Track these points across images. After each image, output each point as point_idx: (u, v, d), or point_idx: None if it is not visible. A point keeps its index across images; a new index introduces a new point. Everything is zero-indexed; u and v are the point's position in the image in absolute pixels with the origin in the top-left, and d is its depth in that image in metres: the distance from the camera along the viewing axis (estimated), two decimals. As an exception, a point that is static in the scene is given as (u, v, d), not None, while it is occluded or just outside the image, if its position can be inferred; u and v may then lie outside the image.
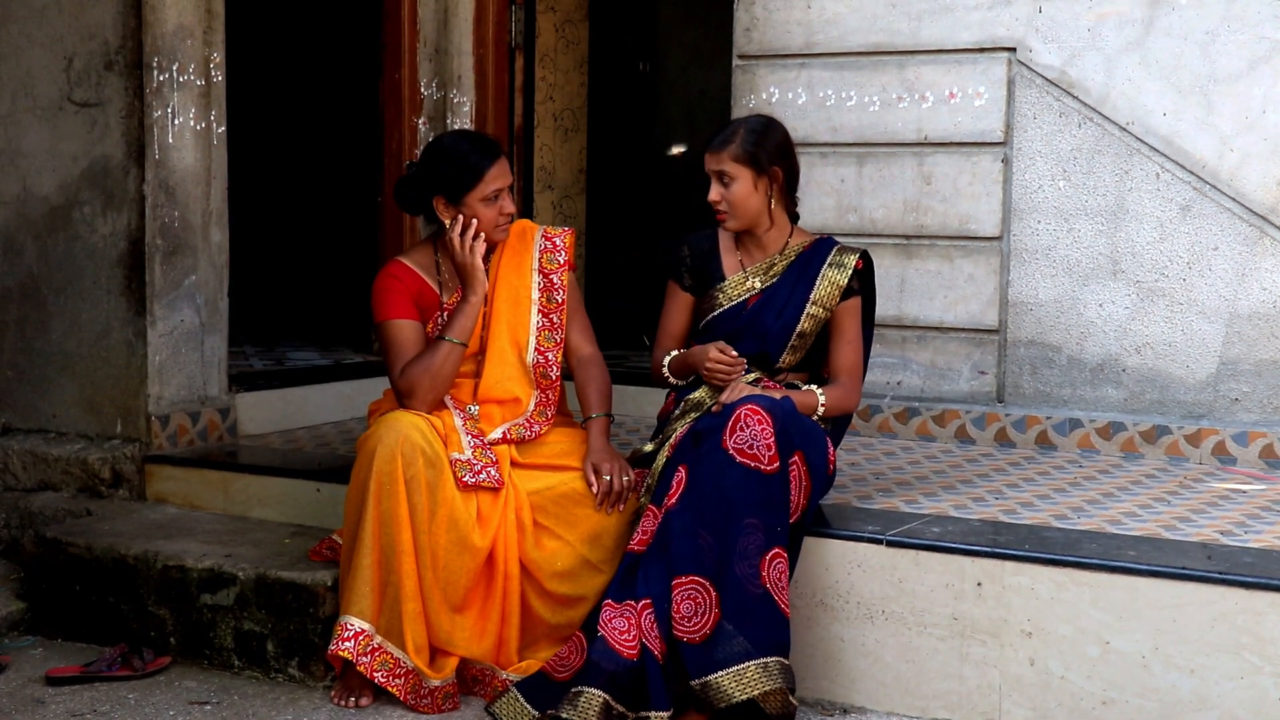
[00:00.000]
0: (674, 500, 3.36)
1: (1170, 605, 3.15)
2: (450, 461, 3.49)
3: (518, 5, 5.72)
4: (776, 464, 3.33)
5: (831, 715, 3.45)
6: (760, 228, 3.70)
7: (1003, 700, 3.32)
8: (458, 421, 3.61)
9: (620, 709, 3.24)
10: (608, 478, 3.56)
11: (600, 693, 3.23)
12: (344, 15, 7.20)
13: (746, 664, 3.23)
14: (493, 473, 3.53)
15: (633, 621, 3.29)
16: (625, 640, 3.27)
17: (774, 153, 3.63)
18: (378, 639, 3.43)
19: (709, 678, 3.23)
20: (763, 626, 3.25)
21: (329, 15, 7.52)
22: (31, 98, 4.55)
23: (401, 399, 3.62)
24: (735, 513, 3.30)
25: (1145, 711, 3.18)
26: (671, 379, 3.76)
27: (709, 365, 3.58)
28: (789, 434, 3.38)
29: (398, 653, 3.43)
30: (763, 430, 3.33)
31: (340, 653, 3.42)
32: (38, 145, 4.55)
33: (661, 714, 3.22)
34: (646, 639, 3.27)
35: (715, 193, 3.63)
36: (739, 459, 3.32)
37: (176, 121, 4.45)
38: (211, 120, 4.56)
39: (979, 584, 3.34)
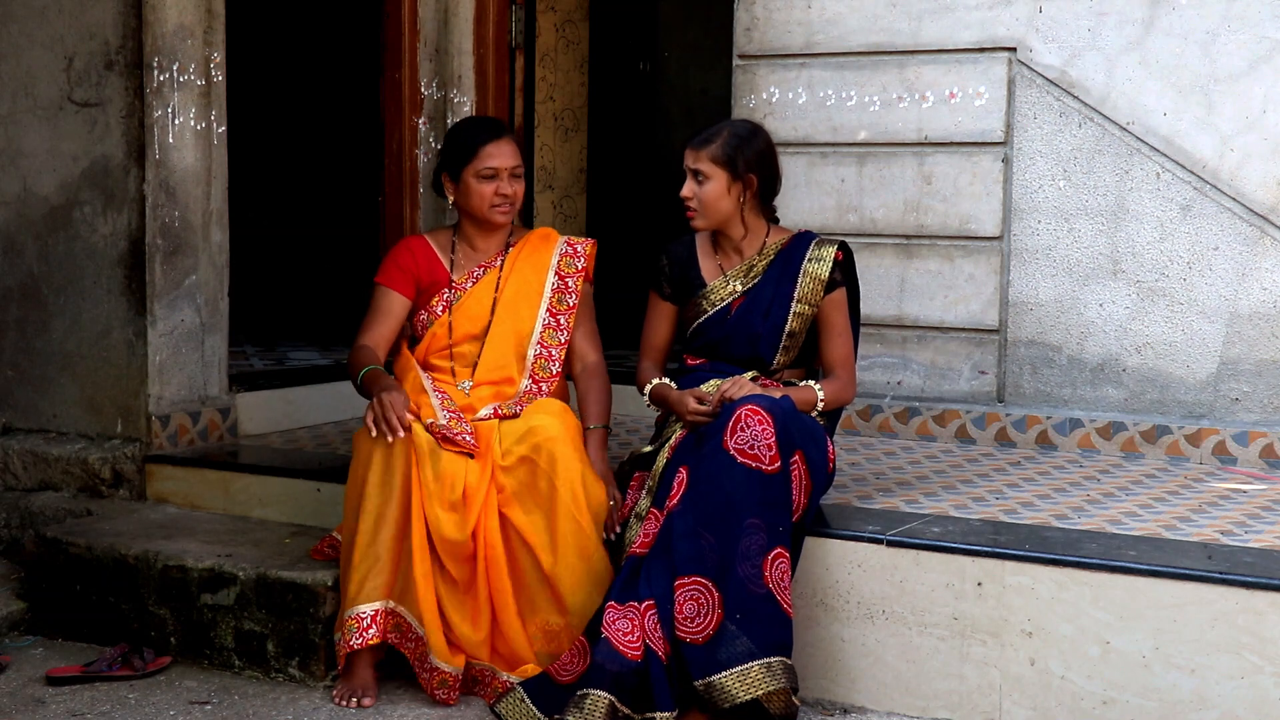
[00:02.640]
0: (676, 501, 3.36)
1: (1171, 605, 3.15)
2: (425, 425, 3.54)
3: (518, 5, 5.72)
4: (778, 464, 3.33)
5: (832, 715, 3.45)
6: (730, 230, 3.70)
7: (1003, 700, 3.32)
8: (434, 401, 3.65)
9: (625, 711, 3.24)
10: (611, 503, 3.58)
11: (605, 695, 3.23)
12: (344, 15, 7.21)
13: (750, 664, 3.23)
14: (468, 439, 3.57)
15: (636, 623, 3.29)
16: (629, 641, 3.27)
17: (752, 159, 3.62)
18: (391, 604, 3.47)
19: (713, 678, 3.23)
20: (766, 626, 3.25)
21: (329, 15, 7.53)
22: (32, 98, 4.55)
23: (352, 352, 3.77)
24: (737, 513, 3.30)
25: (1146, 711, 3.18)
26: (650, 405, 3.77)
27: (688, 418, 3.56)
28: (789, 433, 3.38)
29: (410, 618, 3.46)
30: (763, 430, 3.33)
31: (367, 644, 3.44)
32: (38, 145, 4.55)
33: (666, 715, 3.22)
34: (650, 640, 3.27)
35: (688, 189, 3.65)
36: (740, 459, 3.32)
37: (177, 121, 4.45)
38: (212, 120, 4.56)
39: (979, 584, 3.34)
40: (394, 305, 3.81)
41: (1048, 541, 3.40)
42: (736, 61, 4.97)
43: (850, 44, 4.80)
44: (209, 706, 3.49)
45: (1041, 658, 3.27)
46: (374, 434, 3.49)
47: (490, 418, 3.67)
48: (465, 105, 5.53)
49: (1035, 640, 3.28)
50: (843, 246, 3.73)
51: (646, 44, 7.91)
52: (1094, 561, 3.23)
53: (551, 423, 3.56)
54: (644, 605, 3.30)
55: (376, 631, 3.46)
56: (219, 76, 4.58)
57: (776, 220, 3.79)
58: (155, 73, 4.38)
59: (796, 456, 3.40)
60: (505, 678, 3.51)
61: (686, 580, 3.30)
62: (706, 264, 3.77)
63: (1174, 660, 3.15)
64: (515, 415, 3.68)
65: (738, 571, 3.27)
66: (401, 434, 3.48)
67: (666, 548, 3.34)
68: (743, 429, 3.34)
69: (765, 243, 3.73)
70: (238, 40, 5.06)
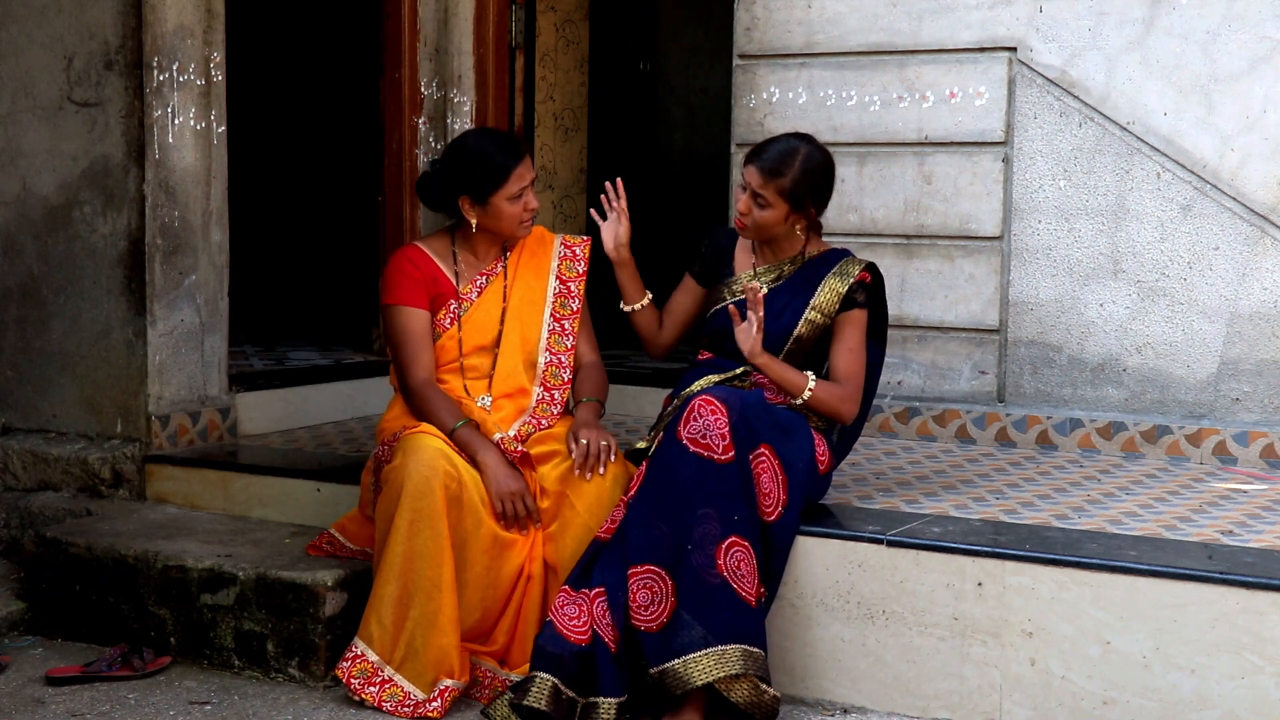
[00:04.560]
0: (632, 491, 3.42)
1: (1171, 605, 3.15)
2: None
3: (518, 5, 5.71)
4: (730, 454, 3.35)
5: (832, 715, 3.45)
6: (778, 242, 3.72)
7: (1003, 700, 3.32)
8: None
9: (570, 694, 3.27)
10: (584, 441, 3.54)
11: (550, 677, 3.27)
12: (344, 15, 7.20)
13: (702, 651, 3.24)
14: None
15: (584, 609, 3.33)
16: (575, 626, 3.31)
17: (814, 193, 3.62)
18: (388, 671, 3.45)
19: (665, 665, 3.25)
20: (721, 615, 3.27)
21: (329, 15, 7.52)
22: (31, 97, 4.55)
23: (404, 393, 3.71)
24: (689, 502, 3.33)
25: (1146, 711, 3.17)
26: (623, 306, 3.82)
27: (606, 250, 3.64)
28: (749, 425, 3.40)
29: (409, 686, 3.44)
30: (716, 420, 3.35)
31: (344, 677, 3.47)
32: (38, 145, 4.55)
33: (610, 700, 3.26)
34: (598, 626, 3.31)
35: (744, 205, 3.62)
36: (692, 449, 3.35)
37: (176, 121, 4.45)
38: (211, 120, 4.56)
39: (980, 584, 3.33)
40: (424, 323, 3.71)
41: (1048, 541, 3.40)
42: (736, 61, 4.97)
43: (850, 44, 4.79)
44: (209, 706, 3.48)
45: (1042, 658, 3.27)
46: (511, 532, 3.52)
47: (517, 438, 3.65)
48: (465, 105, 5.52)
49: (1035, 640, 3.28)
50: (871, 268, 3.70)
51: (646, 44, 7.90)
52: (1094, 561, 3.23)
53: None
54: (594, 592, 3.35)
55: (361, 684, 3.45)
56: (219, 76, 4.58)
57: (820, 228, 3.79)
58: (155, 73, 4.38)
59: (764, 450, 3.41)
60: (504, 676, 3.52)
61: (640, 569, 3.33)
62: (741, 257, 3.79)
63: (1174, 660, 3.15)
64: (540, 428, 3.67)
65: (690, 560, 3.30)
66: (539, 524, 3.54)
67: (622, 537, 3.38)
68: (695, 418, 3.37)
69: (802, 251, 3.73)
70: (238, 40, 5.05)
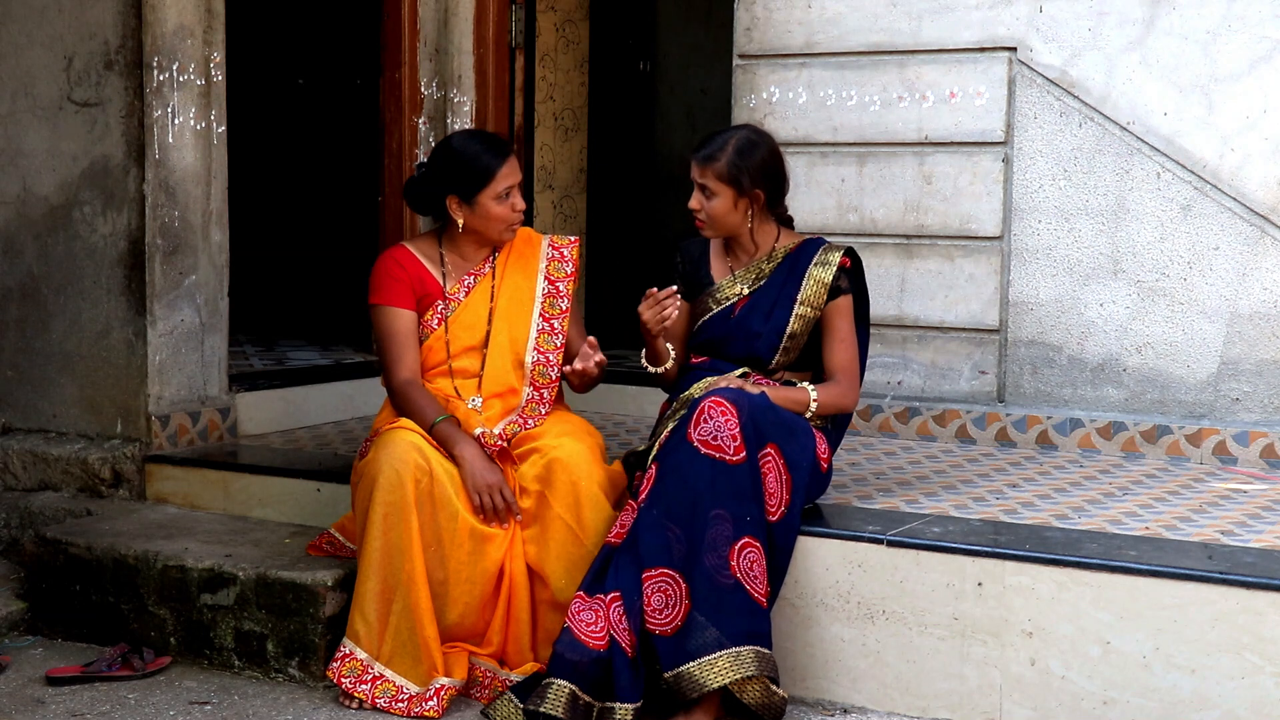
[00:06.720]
0: (643, 495, 3.41)
1: (1171, 605, 3.15)
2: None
3: (518, 5, 5.72)
4: (742, 454, 3.35)
5: (832, 715, 3.45)
6: (741, 238, 3.73)
7: (1004, 700, 3.32)
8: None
9: (587, 699, 3.27)
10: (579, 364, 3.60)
11: (567, 683, 3.26)
12: (344, 15, 7.21)
13: (718, 654, 3.24)
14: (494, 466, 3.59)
15: (600, 614, 3.32)
16: (592, 632, 3.31)
17: (757, 175, 3.62)
18: (378, 668, 3.46)
19: (680, 668, 3.25)
20: (735, 616, 3.27)
21: (329, 15, 7.53)
22: (31, 97, 4.55)
23: (390, 393, 3.73)
24: (702, 504, 3.33)
25: (1146, 711, 3.18)
26: (649, 367, 3.77)
27: (643, 321, 3.58)
28: (758, 426, 3.40)
29: (400, 680, 3.45)
30: (726, 421, 3.35)
31: (334, 678, 3.48)
32: (38, 145, 4.55)
33: (628, 705, 3.25)
34: (615, 631, 3.30)
35: (696, 201, 3.66)
36: (703, 450, 3.35)
37: (176, 121, 4.45)
38: (211, 120, 4.56)
39: (980, 584, 3.33)
40: (409, 324, 3.73)
41: (1048, 541, 3.40)
42: (736, 61, 4.97)
43: (850, 44, 4.80)
44: (209, 706, 3.49)
45: (1042, 658, 3.27)
46: (491, 525, 3.54)
47: (501, 436, 3.65)
48: (465, 105, 5.53)
49: (1035, 640, 3.28)
50: (850, 253, 3.72)
51: (646, 44, 7.90)
52: (1094, 561, 3.23)
53: (566, 446, 3.58)
54: (609, 597, 3.34)
55: (352, 682, 3.45)
56: (219, 76, 4.58)
57: (790, 222, 3.80)
58: (155, 73, 4.38)
59: (770, 450, 3.41)
60: (504, 676, 3.52)
61: (654, 572, 3.33)
62: (717, 264, 3.80)
63: (1174, 660, 3.15)
64: (526, 427, 3.67)
65: (704, 562, 3.29)
66: (519, 518, 3.55)
67: (634, 541, 3.38)
68: (706, 420, 3.37)
69: (775, 247, 3.74)
70: (238, 40, 5.06)
